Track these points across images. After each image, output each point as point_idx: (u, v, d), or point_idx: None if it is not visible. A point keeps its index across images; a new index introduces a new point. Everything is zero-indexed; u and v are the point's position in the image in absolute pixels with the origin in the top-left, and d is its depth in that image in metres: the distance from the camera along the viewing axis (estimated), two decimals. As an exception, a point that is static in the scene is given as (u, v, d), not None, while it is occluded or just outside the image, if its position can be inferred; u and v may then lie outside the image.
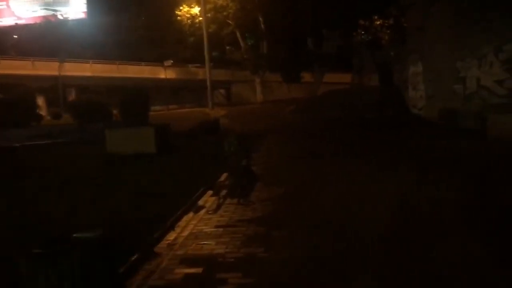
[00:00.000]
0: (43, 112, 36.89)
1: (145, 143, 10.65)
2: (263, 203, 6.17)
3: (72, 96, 37.67)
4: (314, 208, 5.81)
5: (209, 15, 33.95)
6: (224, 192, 6.78)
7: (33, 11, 47.17)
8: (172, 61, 38.56)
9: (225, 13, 34.60)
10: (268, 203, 6.19)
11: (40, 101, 38.32)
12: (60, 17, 46.82)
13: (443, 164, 8.24)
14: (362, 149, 10.75)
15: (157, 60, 41.82)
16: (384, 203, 5.69)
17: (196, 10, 35.76)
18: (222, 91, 49.64)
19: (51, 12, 46.91)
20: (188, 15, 36.88)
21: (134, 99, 12.28)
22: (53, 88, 37.09)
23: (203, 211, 5.95)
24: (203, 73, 34.42)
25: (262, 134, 15.51)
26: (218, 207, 6.13)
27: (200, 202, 6.42)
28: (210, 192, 6.91)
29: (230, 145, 7.94)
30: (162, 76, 40.73)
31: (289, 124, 19.17)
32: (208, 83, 32.59)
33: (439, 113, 14.26)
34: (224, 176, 7.82)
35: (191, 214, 5.81)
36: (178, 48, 46.82)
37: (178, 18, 37.22)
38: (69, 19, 46.94)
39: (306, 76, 44.80)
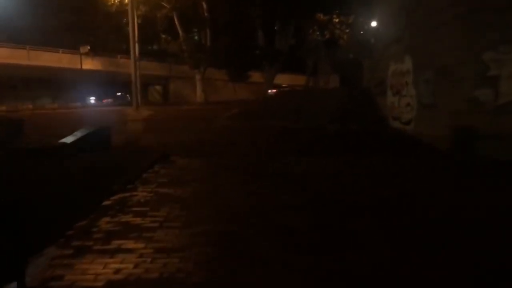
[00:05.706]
0: None
1: None
2: None
3: None
4: None
5: (137, -7, 27.66)
6: None
7: None
8: (89, 47, 31.17)
9: (157, -8, 28.45)
10: None
11: None
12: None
13: None
14: (335, 220, 5.16)
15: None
16: None
17: (123, -12, 29.22)
18: (158, 87, 42.91)
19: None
20: (115, -5, 30.33)
21: None
22: None
23: None
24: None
25: (170, 156, 9.74)
26: None
27: None
28: None
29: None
30: (79, 66, 33.60)
31: (221, 138, 13.39)
32: (132, 77, 26.14)
33: (450, 132, 9.00)
34: None
35: None
36: (114, 37, 40.13)
37: (103, -2, 30.55)
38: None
39: (255, 76, 39.37)
